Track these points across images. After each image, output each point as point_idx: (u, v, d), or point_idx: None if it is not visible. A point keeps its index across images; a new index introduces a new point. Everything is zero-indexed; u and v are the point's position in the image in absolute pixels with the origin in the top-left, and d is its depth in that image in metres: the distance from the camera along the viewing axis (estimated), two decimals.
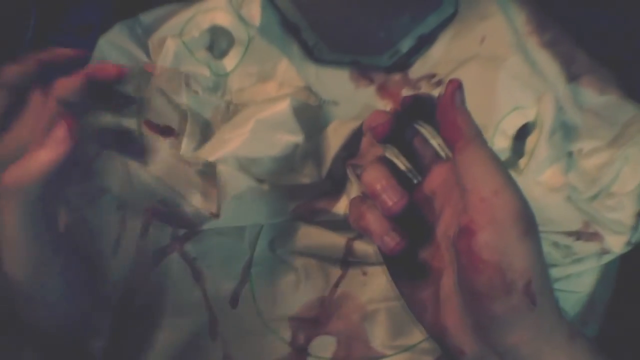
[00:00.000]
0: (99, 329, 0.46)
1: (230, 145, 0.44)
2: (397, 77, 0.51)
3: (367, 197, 0.38)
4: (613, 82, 0.51)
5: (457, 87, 0.36)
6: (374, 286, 0.48)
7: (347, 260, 0.49)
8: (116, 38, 0.48)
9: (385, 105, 0.51)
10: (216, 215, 0.45)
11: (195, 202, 0.46)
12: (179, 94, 0.46)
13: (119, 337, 0.47)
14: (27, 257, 0.39)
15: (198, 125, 0.46)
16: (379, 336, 0.47)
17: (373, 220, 0.37)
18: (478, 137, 0.35)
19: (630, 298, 0.53)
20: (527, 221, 0.33)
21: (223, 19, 0.48)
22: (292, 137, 0.45)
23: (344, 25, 0.49)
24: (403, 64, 0.51)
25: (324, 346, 0.48)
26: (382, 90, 0.51)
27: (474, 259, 0.33)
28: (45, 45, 0.49)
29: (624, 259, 0.51)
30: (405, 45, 0.50)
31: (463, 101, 0.36)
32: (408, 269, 0.39)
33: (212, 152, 0.44)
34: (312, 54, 0.50)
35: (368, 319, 0.48)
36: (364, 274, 0.49)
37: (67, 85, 0.42)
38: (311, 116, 0.47)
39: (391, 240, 0.36)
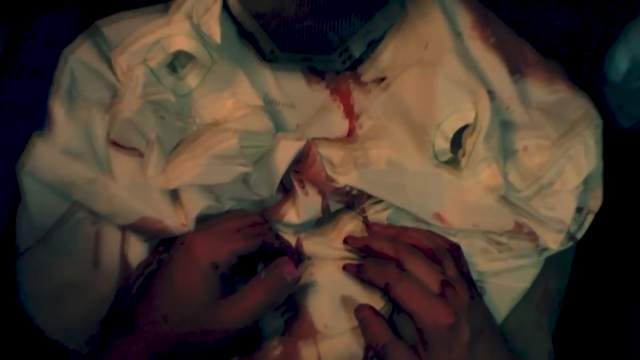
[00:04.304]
0: (86, 342, 0.49)
1: (187, 175, 0.48)
2: (347, 74, 0.54)
3: None
4: (561, 74, 0.52)
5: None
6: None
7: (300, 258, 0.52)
8: (86, 58, 0.51)
9: (339, 107, 0.53)
10: (186, 226, 0.49)
11: (170, 217, 0.49)
12: (147, 124, 0.49)
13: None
14: None
15: (164, 150, 0.50)
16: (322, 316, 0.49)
17: None
18: None
19: (586, 290, 0.55)
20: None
21: (187, 44, 0.51)
22: (242, 168, 0.49)
23: (295, 27, 0.52)
24: (352, 62, 0.53)
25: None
26: (333, 88, 0.54)
27: None
28: (16, 59, 0.50)
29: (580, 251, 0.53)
30: (354, 44, 0.52)
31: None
32: None
33: (171, 180, 0.48)
34: (266, 57, 0.53)
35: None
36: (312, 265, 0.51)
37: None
38: (261, 143, 0.50)
39: None
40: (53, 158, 0.49)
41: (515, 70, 0.52)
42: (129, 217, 0.49)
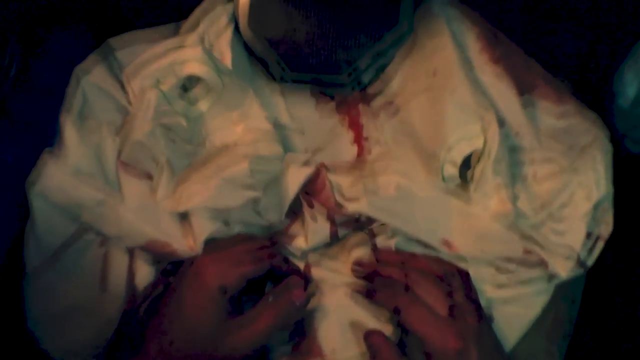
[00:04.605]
0: None
1: (197, 198, 0.49)
2: (356, 95, 0.54)
3: None
4: (569, 92, 0.52)
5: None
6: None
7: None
8: (98, 80, 0.52)
9: (348, 133, 0.53)
10: (194, 250, 0.49)
11: (178, 240, 0.49)
12: (158, 147, 0.50)
13: None
14: None
15: (173, 172, 0.50)
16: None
17: None
18: None
19: (597, 318, 0.55)
20: None
21: (199, 68, 0.51)
22: (251, 193, 0.49)
23: (305, 48, 0.52)
24: (361, 81, 0.53)
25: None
26: (342, 109, 0.54)
27: None
28: (28, 78, 0.51)
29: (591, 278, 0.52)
30: (364, 63, 0.53)
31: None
32: None
33: (181, 203, 0.49)
34: (276, 77, 0.53)
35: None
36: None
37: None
38: (270, 168, 0.50)
39: None
40: (63, 179, 0.49)
41: (525, 89, 0.52)
42: (137, 239, 0.49)
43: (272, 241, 0.50)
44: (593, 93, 0.56)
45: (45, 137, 0.52)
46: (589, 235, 0.49)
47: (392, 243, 0.50)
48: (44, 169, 0.50)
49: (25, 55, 0.52)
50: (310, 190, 0.51)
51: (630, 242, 0.54)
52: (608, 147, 0.50)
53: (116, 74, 0.52)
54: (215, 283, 0.45)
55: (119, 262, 0.50)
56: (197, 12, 0.54)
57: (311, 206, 0.50)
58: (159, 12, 0.57)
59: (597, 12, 0.56)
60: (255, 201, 0.50)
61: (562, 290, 0.50)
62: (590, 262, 0.49)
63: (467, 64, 0.51)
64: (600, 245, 0.49)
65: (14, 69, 0.51)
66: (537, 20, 0.56)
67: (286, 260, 0.50)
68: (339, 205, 0.50)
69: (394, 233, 0.50)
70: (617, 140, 0.53)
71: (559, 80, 0.53)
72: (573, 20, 0.56)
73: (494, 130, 0.48)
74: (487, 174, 0.48)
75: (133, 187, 0.50)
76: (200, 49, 0.51)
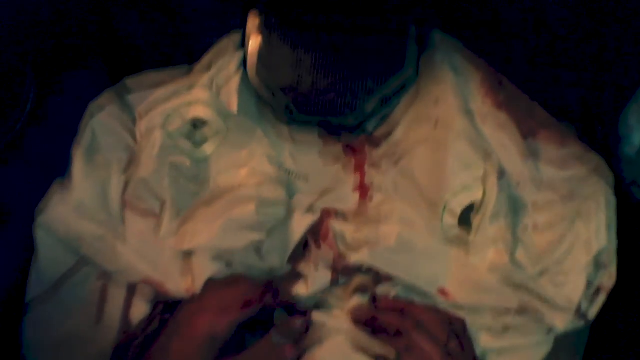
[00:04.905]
0: None
1: (202, 237, 0.49)
2: (362, 137, 0.55)
3: None
4: (573, 135, 0.52)
5: None
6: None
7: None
8: (109, 119, 0.53)
9: (351, 178, 0.54)
10: (192, 294, 0.49)
11: (174, 280, 0.50)
12: (162, 185, 0.51)
13: None
14: None
15: (177, 211, 0.51)
16: None
17: None
18: None
19: None
20: None
21: (204, 112, 0.53)
22: (256, 235, 0.50)
23: (313, 94, 0.54)
24: (368, 124, 0.54)
25: None
26: (348, 149, 0.55)
27: None
28: (44, 113, 0.52)
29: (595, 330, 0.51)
30: (370, 106, 0.53)
31: None
32: None
33: (186, 241, 0.50)
34: (285, 118, 0.54)
35: None
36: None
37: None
38: (274, 212, 0.51)
39: None
40: (66, 212, 0.51)
41: (528, 133, 0.52)
42: (133, 276, 0.50)
43: (267, 284, 0.50)
44: (599, 139, 0.55)
45: (58, 169, 0.53)
46: (589, 286, 0.49)
47: (391, 291, 0.50)
48: (50, 200, 0.51)
49: (41, 90, 0.54)
50: (314, 237, 0.52)
51: (638, 292, 0.54)
52: (609, 197, 0.50)
53: (128, 112, 0.54)
54: (205, 333, 0.46)
55: (116, 296, 0.51)
56: (210, 54, 0.56)
57: (319, 247, 0.50)
58: (173, 52, 0.59)
59: (599, 58, 0.56)
60: (258, 244, 0.50)
61: (564, 343, 0.50)
62: (591, 314, 0.49)
63: (468, 115, 0.52)
64: (602, 296, 0.49)
65: (29, 105, 0.53)
66: (541, 67, 0.56)
67: (292, 306, 0.50)
68: (342, 255, 0.50)
69: (394, 281, 0.50)
70: (624, 188, 0.52)
71: (564, 124, 0.54)
72: (576, 66, 0.56)
73: (492, 182, 0.48)
74: (485, 224, 0.48)
75: (135, 224, 0.51)
76: (207, 93, 0.53)
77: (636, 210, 0.52)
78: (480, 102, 0.52)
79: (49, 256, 0.51)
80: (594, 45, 0.56)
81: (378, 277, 0.51)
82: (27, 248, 0.52)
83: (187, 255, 0.51)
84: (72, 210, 0.51)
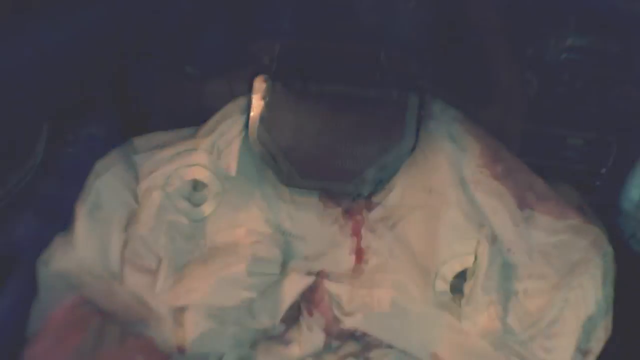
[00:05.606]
0: None
1: (195, 295, 0.51)
2: (360, 202, 0.56)
3: None
4: (573, 207, 0.52)
5: None
6: None
7: None
8: (113, 180, 0.55)
9: (347, 242, 0.55)
10: (182, 350, 0.51)
11: (166, 331, 0.51)
12: (159, 243, 0.52)
13: None
14: None
15: (173, 268, 0.53)
16: None
17: None
18: None
19: None
20: None
21: (202, 174, 0.55)
22: (247, 294, 0.51)
23: (315, 157, 0.55)
24: (367, 190, 0.55)
25: None
26: (346, 213, 0.56)
27: None
28: (53, 164, 0.55)
29: None
30: (370, 174, 0.55)
31: None
32: None
33: (179, 298, 0.51)
34: (285, 181, 0.55)
35: None
36: None
37: None
38: (268, 271, 0.52)
39: None
40: (68, 267, 0.52)
41: (526, 204, 0.53)
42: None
43: None
44: (599, 195, 0.55)
45: (63, 220, 0.55)
46: (580, 351, 0.49)
47: (383, 355, 0.50)
48: (53, 254, 0.53)
49: (53, 142, 0.56)
50: (309, 299, 0.52)
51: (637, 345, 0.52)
52: (600, 264, 0.50)
53: (132, 172, 0.56)
54: None
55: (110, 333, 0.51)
56: (215, 118, 0.58)
57: (311, 315, 0.51)
58: (182, 113, 0.61)
59: (601, 117, 0.57)
60: (250, 303, 0.51)
61: None
62: None
63: (462, 184, 0.53)
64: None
65: (39, 157, 0.55)
66: (543, 125, 0.58)
67: None
68: (337, 320, 0.51)
69: (387, 346, 0.51)
70: (624, 240, 0.52)
71: (562, 186, 0.54)
72: (577, 127, 0.58)
73: (483, 250, 0.50)
74: (477, 291, 0.49)
75: (133, 280, 0.52)
76: (206, 156, 0.54)
77: (635, 262, 0.52)
78: (477, 172, 0.53)
79: (49, 298, 0.52)
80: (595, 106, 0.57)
81: (369, 344, 0.51)
82: (32, 292, 0.53)
83: (180, 310, 0.51)
84: (74, 266, 0.52)
